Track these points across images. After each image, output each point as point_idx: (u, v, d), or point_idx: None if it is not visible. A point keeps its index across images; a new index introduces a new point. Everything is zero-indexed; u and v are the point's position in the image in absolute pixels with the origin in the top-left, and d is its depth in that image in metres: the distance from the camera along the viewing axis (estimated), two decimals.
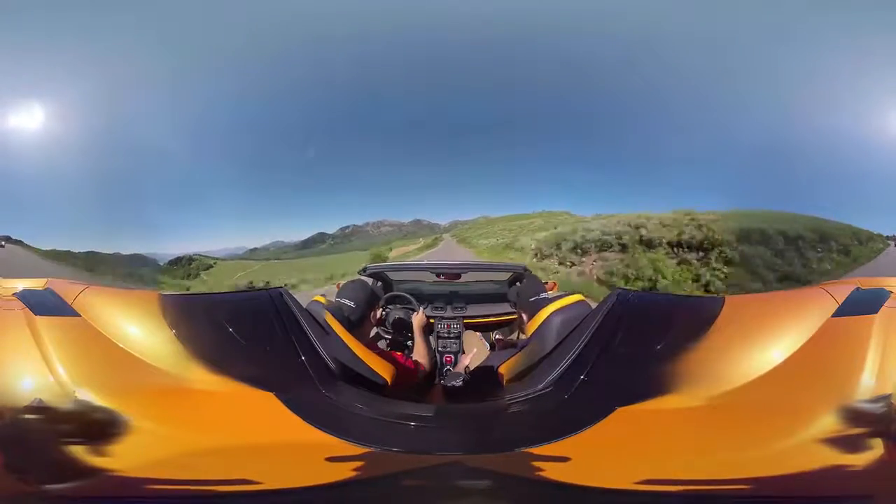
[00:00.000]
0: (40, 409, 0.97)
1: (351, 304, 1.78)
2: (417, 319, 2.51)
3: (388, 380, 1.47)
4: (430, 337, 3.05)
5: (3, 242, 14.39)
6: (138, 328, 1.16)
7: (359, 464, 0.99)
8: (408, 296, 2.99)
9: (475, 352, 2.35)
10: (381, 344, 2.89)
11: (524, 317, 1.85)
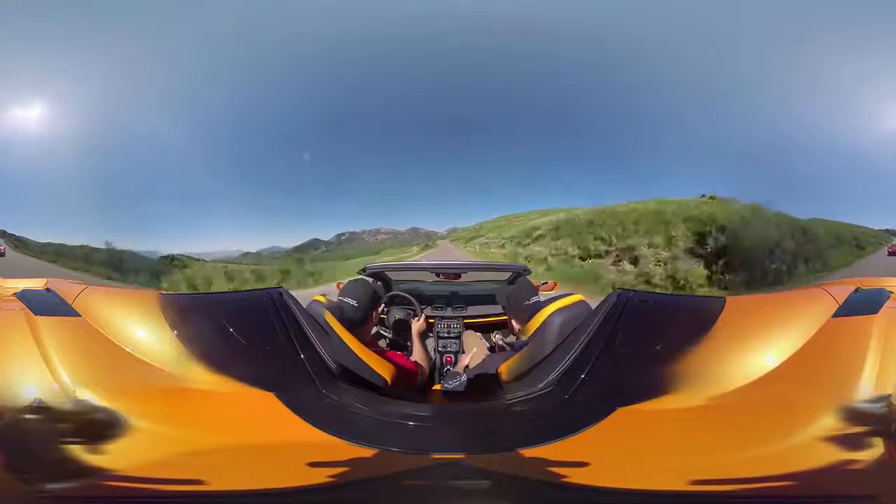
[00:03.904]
0: (40, 409, 0.97)
1: (353, 302, 1.79)
2: (417, 325, 2.51)
3: (388, 380, 1.47)
4: (430, 337, 3.06)
5: (2, 249, 14.46)
6: (138, 328, 1.16)
7: (359, 464, 0.99)
8: (409, 297, 2.99)
9: (475, 352, 2.35)
10: (381, 344, 2.89)
11: (514, 320, 1.85)
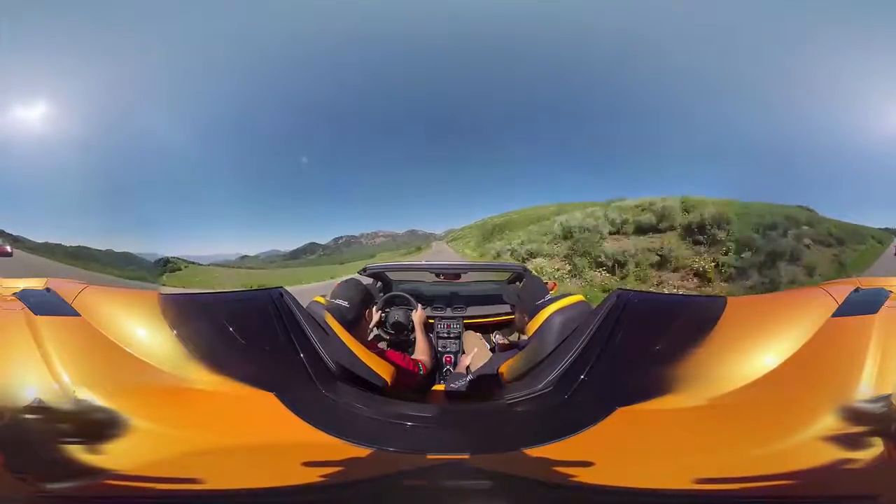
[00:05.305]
0: (40, 409, 0.97)
1: (345, 303, 1.78)
2: (418, 316, 2.51)
3: (388, 380, 1.47)
4: (430, 336, 3.05)
5: (9, 249, 14.45)
6: (138, 328, 1.16)
7: (359, 464, 0.99)
8: (406, 295, 2.99)
9: (475, 352, 2.35)
10: (381, 345, 2.89)
11: (524, 318, 1.85)
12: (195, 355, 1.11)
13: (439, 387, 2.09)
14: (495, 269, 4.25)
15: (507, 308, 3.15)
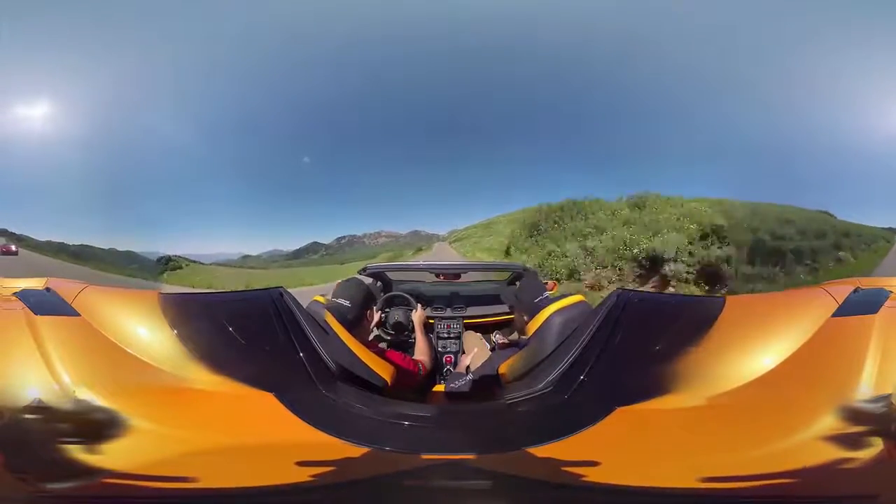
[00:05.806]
0: (40, 409, 0.97)
1: (346, 303, 1.78)
2: (418, 316, 2.52)
3: (388, 380, 1.47)
4: (430, 336, 3.05)
5: (14, 248, 14.49)
6: (138, 328, 1.16)
7: (358, 464, 0.99)
8: (406, 295, 2.99)
9: (475, 352, 2.35)
10: (382, 345, 2.88)
11: (524, 317, 1.85)
12: (195, 355, 1.11)
13: (439, 387, 2.09)
14: (495, 269, 4.25)
15: (507, 308, 3.15)
